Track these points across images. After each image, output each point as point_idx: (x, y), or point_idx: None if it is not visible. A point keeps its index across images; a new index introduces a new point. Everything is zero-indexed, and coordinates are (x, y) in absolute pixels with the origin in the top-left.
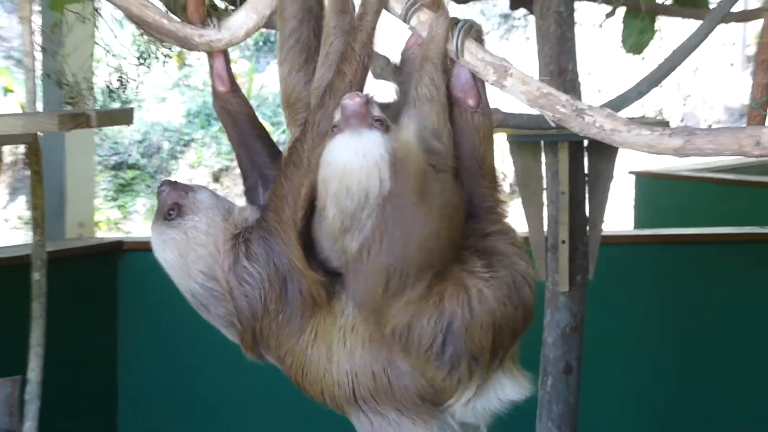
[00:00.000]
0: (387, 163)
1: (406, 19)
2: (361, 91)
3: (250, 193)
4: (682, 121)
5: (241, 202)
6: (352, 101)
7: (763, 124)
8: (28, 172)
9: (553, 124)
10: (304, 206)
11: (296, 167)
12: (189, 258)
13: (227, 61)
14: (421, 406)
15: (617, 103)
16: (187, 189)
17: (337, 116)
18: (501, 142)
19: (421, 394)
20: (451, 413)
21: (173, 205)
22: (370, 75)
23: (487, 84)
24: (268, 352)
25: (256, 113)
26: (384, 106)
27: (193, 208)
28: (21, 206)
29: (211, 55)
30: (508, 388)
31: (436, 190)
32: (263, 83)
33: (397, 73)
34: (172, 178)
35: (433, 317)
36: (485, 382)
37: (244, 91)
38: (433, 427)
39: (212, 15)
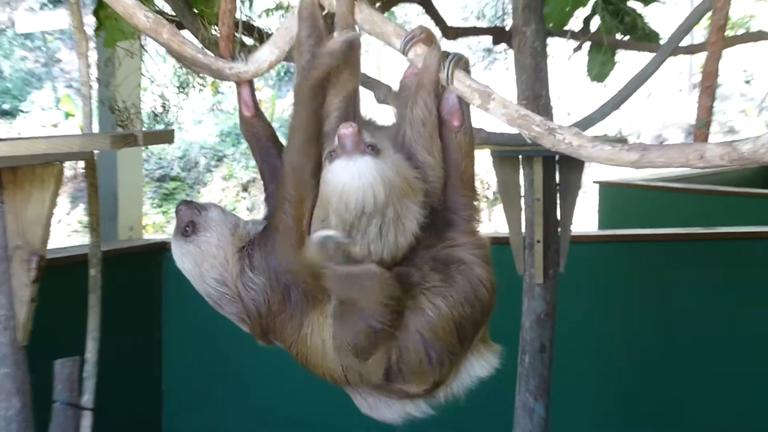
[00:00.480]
0: (379, 182)
1: (404, 51)
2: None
3: (269, 199)
4: (638, 138)
5: (244, 214)
6: (346, 131)
7: (707, 141)
8: (86, 184)
9: (529, 141)
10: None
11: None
12: (203, 267)
13: (252, 90)
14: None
15: (584, 124)
16: (200, 208)
17: (335, 143)
18: (485, 156)
19: (413, 395)
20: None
21: (189, 223)
22: (372, 99)
23: (472, 107)
24: (276, 341)
25: (277, 133)
26: (380, 128)
27: (205, 225)
28: (80, 213)
29: (239, 84)
30: (477, 367)
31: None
32: (284, 108)
33: (396, 98)
34: (189, 199)
35: (408, 342)
36: (459, 366)
37: (267, 115)
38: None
39: (240, 50)
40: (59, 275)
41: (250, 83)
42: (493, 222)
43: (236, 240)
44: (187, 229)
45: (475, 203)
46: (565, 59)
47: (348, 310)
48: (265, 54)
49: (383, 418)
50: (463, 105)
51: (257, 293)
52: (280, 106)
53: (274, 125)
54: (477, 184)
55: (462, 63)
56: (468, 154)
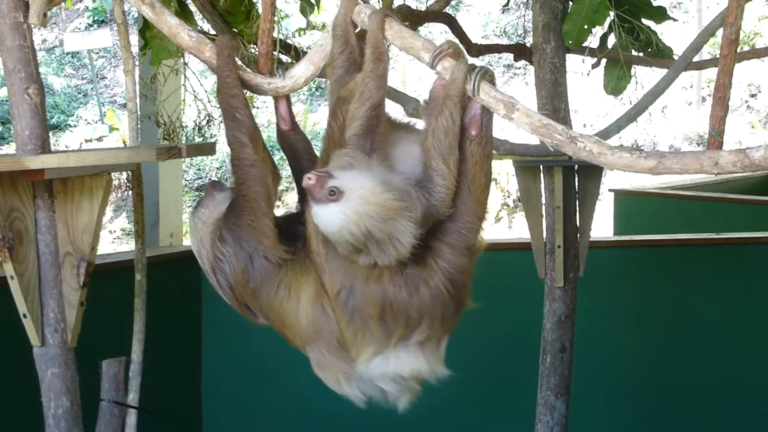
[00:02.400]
0: (350, 222)
1: (432, 65)
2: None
3: (301, 205)
4: (652, 148)
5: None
6: (306, 183)
7: (721, 148)
8: (129, 194)
9: (551, 149)
10: (275, 192)
11: (253, 167)
12: (196, 241)
13: (289, 104)
14: (341, 353)
15: (601, 136)
16: (217, 188)
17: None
18: (508, 166)
19: (338, 341)
20: (365, 373)
21: (201, 201)
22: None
23: (496, 119)
24: (258, 314)
25: (312, 146)
26: (403, 131)
27: (208, 203)
28: (123, 221)
29: (276, 99)
30: (403, 362)
31: None
32: (316, 121)
33: (425, 110)
34: (218, 180)
35: (346, 277)
36: (384, 352)
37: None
38: (355, 377)
39: (278, 67)
40: (106, 280)
41: (287, 98)
42: (514, 228)
43: (217, 217)
44: (198, 206)
45: (478, 215)
46: (583, 75)
47: None
48: (302, 70)
49: (344, 392)
50: (484, 117)
51: (223, 263)
52: (312, 119)
53: (307, 138)
54: (490, 197)
55: (488, 76)
56: (479, 164)
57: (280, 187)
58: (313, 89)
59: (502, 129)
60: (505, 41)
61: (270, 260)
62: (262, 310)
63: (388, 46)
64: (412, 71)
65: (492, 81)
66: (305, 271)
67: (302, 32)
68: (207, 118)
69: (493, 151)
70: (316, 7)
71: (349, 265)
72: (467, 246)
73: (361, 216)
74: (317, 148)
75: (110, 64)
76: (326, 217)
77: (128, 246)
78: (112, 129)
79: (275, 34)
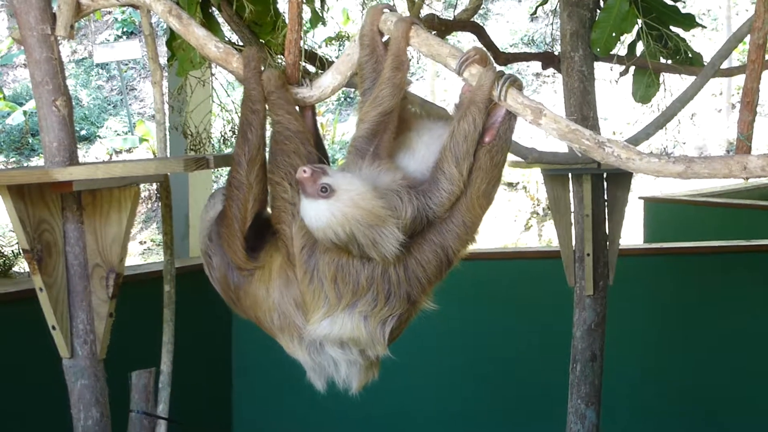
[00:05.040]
0: (335, 221)
1: (459, 72)
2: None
3: None
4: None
5: None
6: (300, 176)
7: (749, 153)
8: (159, 204)
9: (579, 154)
10: (251, 217)
11: (239, 189)
12: (200, 234)
13: (314, 116)
14: (299, 315)
15: (630, 143)
16: (222, 190)
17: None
18: (537, 174)
19: (297, 303)
20: (313, 333)
21: (210, 198)
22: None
23: (514, 131)
24: (247, 313)
25: (339, 155)
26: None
27: (212, 200)
28: (152, 232)
29: (303, 108)
30: (346, 327)
31: None
32: (344, 131)
33: (454, 114)
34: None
35: (309, 236)
36: (333, 315)
37: (328, 137)
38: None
39: (305, 77)
40: (135, 291)
41: (313, 109)
42: (544, 236)
43: (215, 213)
44: (206, 203)
45: (467, 221)
46: (612, 82)
47: None
48: (329, 80)
49: (297, 355)
50: (502, 126)
51: (212, 261)
52: (341, 129)
53: (336, 147)
54: (486, 211)
55: (516, 84)
56: (483, 170)
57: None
58: (342, 99)
59: (531, 137)
60: (533, 50)
61: (242, 270)
62: (248, 312)
63: (418, 58)
64: (440, 83)
65: (519, 87)
66: (274, 259)
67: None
68: (233, 129)
69: (520, 160)
70: (323, 18)
71: None
72: (442, 246)
73: (348, 218)
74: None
75: (140, 75)
76: (313, 212)
77: (158, 257)
78: (141, 140)
79: (302, 44)
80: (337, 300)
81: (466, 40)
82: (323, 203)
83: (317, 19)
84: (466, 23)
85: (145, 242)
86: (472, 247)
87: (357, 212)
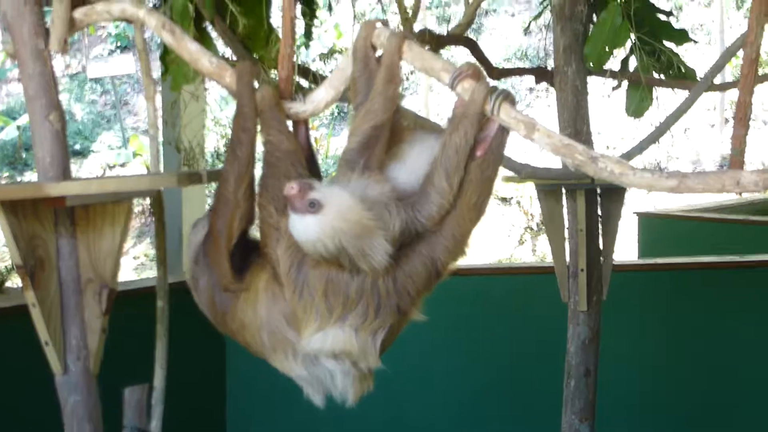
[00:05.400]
0: (324, 236)
1: (452, 86)
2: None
3: None
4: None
5: None
6: (288, 192)
7: (742, 168)
8: (152, 220)
9: (573, 169)
10: (237, 234)
11: (225, 206)
12: (187, 258)
13: (308, 130)
14: (291, 331)
15: (624, 158)
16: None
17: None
18: (531, 189)
19: (287, 319)
20: (307, 347)
21: (196, 223)
22: None
23: (506, 146)
24: (236, 337)
25: (332, 169)
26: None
27: (199, 225)
28: (146, 247)
29: (295, 124)
30: (338, 339)
31: None
32: (338, 145)
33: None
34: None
35: (296, 254)
36: (325, 329)
37: (322, 151)
38: (300, 357)
39: (298, 92)
40: (128, 307)
41: (306, 124)
42: (538, 251)
43: (202, 237)
44: (192, 227)
45: (456, 235)
46: (605, 97)
47: None
48: (322, 94)
49: (292, 370)
50: (494, 141)
51: (199, 284)
52: (334, 144)
53: (329, 162)
54: (477, 224)
55: (509, 98)
56: (473, 184)
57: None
58: (336, 113)
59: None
60: (526, 64)
61: (228, 290)
62: (237, 335)
63: (411, 72)
64: (433, 97)
65: (513, 103)
66: (259, 279)
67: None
68: (227, 143)
69: (513, 175)
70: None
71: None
72: (431, 259)
73: (336, 231)
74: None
75: (133, 89)
76: (302, 227)
77: (151, 272)
78: (135, 154)
79: (295, 59)
80: (328, 313)
81: (459, 55)
82: (311, 218)
83: (309, 34)
84: (459, 38)
85: (138, 257)
86: (464, 262)
87: (345, 225)
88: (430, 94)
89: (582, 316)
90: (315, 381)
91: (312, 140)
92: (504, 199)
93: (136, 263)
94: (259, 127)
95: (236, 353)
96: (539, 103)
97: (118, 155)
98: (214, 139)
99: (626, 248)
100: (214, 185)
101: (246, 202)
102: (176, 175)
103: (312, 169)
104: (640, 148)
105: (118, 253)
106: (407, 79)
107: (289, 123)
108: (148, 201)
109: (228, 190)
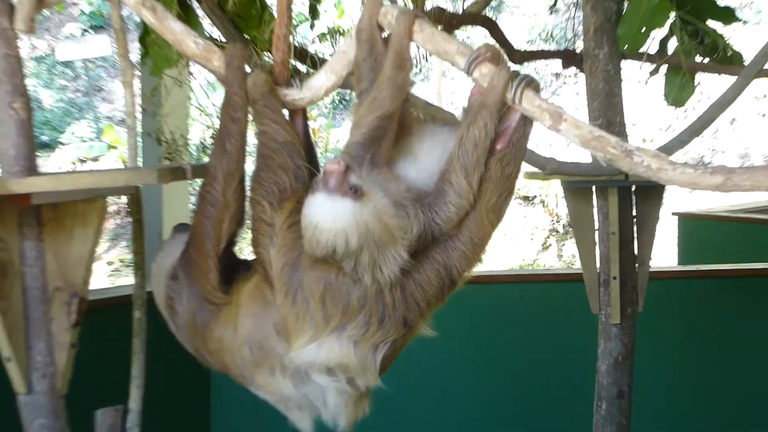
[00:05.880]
0: (353, 228)
1: (468, 71)
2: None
3: None
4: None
5: None
6: (332, 167)
7: None
8: (129, 220)
9: (604, 165)
10: (227, 237)
11: (213, 206)
12: (154, 286)
13: (306, 120)
14: (279, 342)
15: (662, 151)
16: (179, 232)
17: (320, 175)
18: (557, 187)
19: (277, 329)
20: (297, 359)
21: (163, 245)
22: None
23: (528, 140)
24: (214, 359)
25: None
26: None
27: (168, 247)
28: (122, 250)
29: (292, 113)
30: (334, 352)
31: None
32: (339, 137)
33: (462, 120)
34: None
35: (291, 252)
36: (319, 339)
37: (321, 144)
38: (288, 372)
39: (294, 76)
40: (101, 318)
41: (304, 112)
42: (564, 257)
43: (175, 259)
44: (159, 251)
45: (475, 239)
46: (641, 83)
47: None
48: (321, 80)
49: (278, 389)
50: (516, 133)
51: (176, 302)
52: (335, 135)
53: (329, 156)
54: (497, 227)
55: (533, 85)
56: (494, 182)
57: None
58: (336, 101)
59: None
60: (552, 47)
61: (212, 302)
62: (213, 357)
63: (423, 56)
64: (447, 84)
65: (536, 89)
66: (243, 291)
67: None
68: (214, 135)
69: (537, 171)
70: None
71: (295, 240)
72: (446, 266)
73: (367, 229)
74: None
75: (108, 74)
76: (332, 211)
77: (127, 279)
78: (110, 147)
79: (291, 41)
80: (324, 322)
81: (476, 36)
82: (349, 204)
83: (315, 12)
84: (476, 17)
85: (113, 263)
86: (480, 268)
87: (377, 226)
88: (444, 80)
89: (614, 331)
90: (303, 401)
91: (310, 131)
92: (527, 198)
93: (110, 269)
94: (251, 117)
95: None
96: (567, 91)
97: (90, 148)
98: (200, 130)
99: (665, 253)
100: (199, 182)
101: (236, 201)
102: (156, 171)
103: (311, 163)
104: (681, 141)
105: (90, 258)
106: (418, 63)
107: (286, 113)
108: (124, 199)
109: (215, 188)
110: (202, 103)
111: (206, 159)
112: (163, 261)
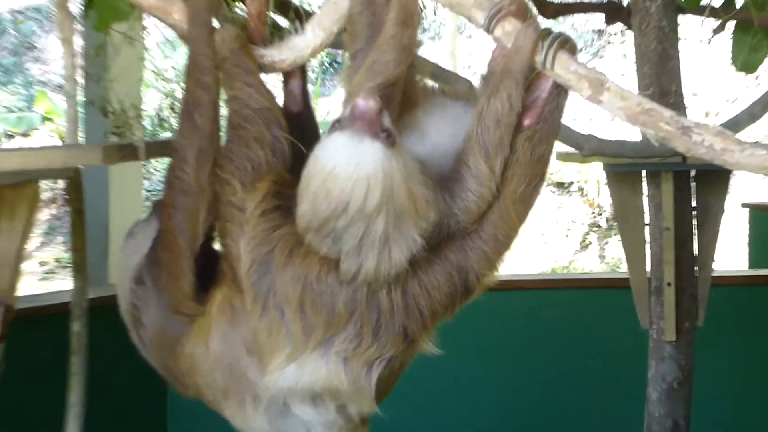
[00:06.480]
0: (379, 178)
1: (489, 29)
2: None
3: None
4: None
5: None
6: (365, 102)
7: None
8: (68, 210)
9: (656, 144)
10: (204, 232)
11: (185, 194)
12: (118, 283)
13: (304, 80)
14: (252, 366)
15: (728, 127)
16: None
17: (345, 112)
18: (598, 171)
19: (248, 348)
20: (272, 386)
21: (133, 228)
22: None
23: (563, 113)
24: (187, 382)
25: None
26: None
27: (140, 231)
28: (58, 248)
29: (288, 75)
30: (320, 372)
31: None
32: (329, 109)
33: (481, 90)
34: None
35: (263, 246)
36: (300, 358)
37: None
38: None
39: (274, 33)
40: (33, 331)
41: (302, 74)
42: (607, 257)
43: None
44: (128, 235)
45: (500, 235)
46: (702, 43)
47: None
48: (307, 37)
49: (249, 426)
50: (548, 105)
51: (142, 313)
52: (324, 107)
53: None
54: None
55: (568, 46)
56: (522, 166)
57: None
58: (326, 64)
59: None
60: None
61: (184, 313)
62: (183, 374)
63: (437, 8)
64: (463, 43)
65: (572, 51)
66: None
67: None
68: (174, 105)
69: (574, 152)
70: None
71: (269, 232)
72: (461, 268)
73: (392, 189)
74: None
75: (42, 28)
76: (359, 152)
77: (64, 284)
78: (44, 119)
79: None
80: (304, 335)
81: None
82: (380, 148)
83: None
84: None
85: (46, 263)
86: (505, 271)
87: (402, 189)
88: (459, 39)
89: (669, 350)
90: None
91: (311, 98)
92: (561, 186)
93: (42, 270)
94: (221, 82)
95: (180, 397)
96: (611, 52)
97: (19, 120)
98: (156, 99)
99: (732, 254)
100: (155, 163)
101: (213, 186)
102: (101, 148)
103: (310, 135)
104: (751, 114)
105: (19, 257)
106: (427, 18)
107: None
108: (61, 184)
109: (186, 171)
110: (158, 66)
111: (163, 134)
112: (129, 257)
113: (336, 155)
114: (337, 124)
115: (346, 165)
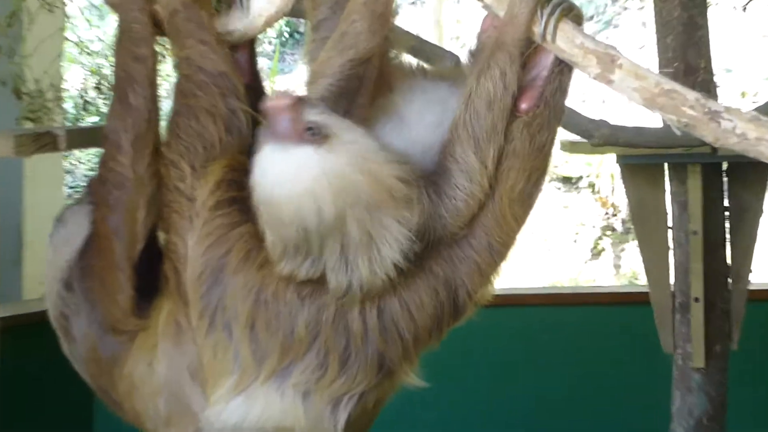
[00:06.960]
0: (324, 185)
1: None
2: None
3: None
4: None
5: None
6: (273, 104)
7: None
8: None
9: (678, 133)
10: (145, 233)
11: (120, 190)
12: (47, 282)
13: (253, 52)
14: (196, 393)
15: (765, 111)
16: (89, 196)
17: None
18: (612, 163)
19: (191, 372)
20: (215, 420)
21: (63, 215)
22: None
23: (567, 93)
24: (125, 407)
25: None
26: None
27: (70, 219)
28: None
29: (234, 47)
30: (272, 406)
31: None
32: (288, 87)
33: (469, 66)
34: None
35: (216, 250)
36: (249, 389)
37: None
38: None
39: (222, 1)
40: None
41: (251, 45)
42: (623, 268)
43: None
44: (56, 224)
45: (495, 240)
46: (736, 11)
47: None
48: (261, 5)
49: None
50: (549, 85)
51: (72, 325)
52: (281, 85)
53: None
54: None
55: (572, 14)
56: (520, 158)
57: None
58: (285, 36)
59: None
60: None
61: (122, 331)
62: (121, 397)
63: None
64: (450, 9)
65: (578, 21)
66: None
67: None
68: (100, 84)
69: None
70: None
71: (225, 230)
72: (448, 282)
73: (347, 184)
74: None
75: None
76: (287, 167)
77: None
78: None
79: None
80: (255, 362)
81: None
82: (310, 152)
83: None
84: None
85: None
86: (502, 285)
87: (360, 178)
88: (444, 5)
89: (697, 378)
90: None
91: (260, 72)
92: (567, 181)
93: None
94: (169, 43)
95: (109, 424)
96: (626, 21)
97: None
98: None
99: None
100: (79, 154)
101: (154, 178)
102: (13, 137)
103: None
104: None
105: None
106: None
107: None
108: None
109: (121, 161)
110: (82, 37)
111: (89, 119)
112: (59, 250)
113: (268, 177)
114: (261, 136)
115: (282, 186)
